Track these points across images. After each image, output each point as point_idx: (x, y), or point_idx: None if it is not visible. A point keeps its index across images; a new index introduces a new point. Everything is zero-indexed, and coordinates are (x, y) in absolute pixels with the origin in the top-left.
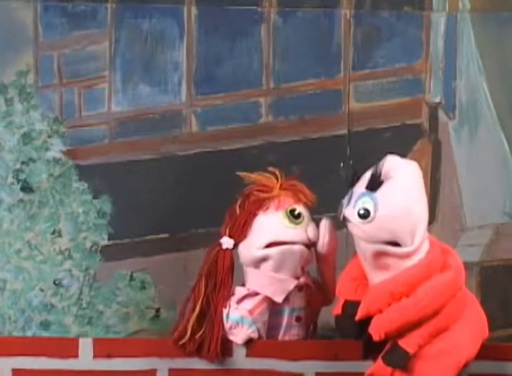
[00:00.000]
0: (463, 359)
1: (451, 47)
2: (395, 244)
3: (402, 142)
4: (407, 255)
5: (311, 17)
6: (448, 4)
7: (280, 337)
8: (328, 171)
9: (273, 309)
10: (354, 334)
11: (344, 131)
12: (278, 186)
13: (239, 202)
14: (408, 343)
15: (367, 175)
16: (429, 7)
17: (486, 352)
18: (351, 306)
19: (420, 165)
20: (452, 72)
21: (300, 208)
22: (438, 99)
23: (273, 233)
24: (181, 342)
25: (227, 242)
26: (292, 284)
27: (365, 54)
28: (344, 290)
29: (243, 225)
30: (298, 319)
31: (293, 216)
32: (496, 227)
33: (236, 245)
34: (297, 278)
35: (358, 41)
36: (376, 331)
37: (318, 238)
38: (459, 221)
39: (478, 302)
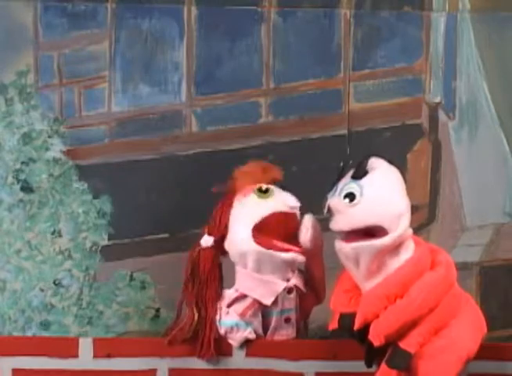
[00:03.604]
0: (465, 354)
1: (451, 47)
2: (380, 232)
3: (401, 142)
4: (396, 242)
5: (311, 17)
6: (448, 4)
7: (268, 338)
8: (328, 171)
9: (262, 311)
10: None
11: (344, 132)
12: (245, 177)
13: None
14: (408, 343)
15: (351, 172)
16: (429, 7)
17: (486, 352)
18: (346, 319)
19: (420, 165)
20: (452, 72)
21: (266, 185)
22: (438, 99)
23: (250, 217)
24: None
25: (205, 240)
26: (281, 287)
27: (365, 54)
28: (338, 303)
29: (219, 221)
30: (288, 320)
31: (261, 191)
32: (496, 227)
33: (216, 242)
34: (287, 280)
35: (358, 41)
36: (375, 337)
37: (297, 203)
38: (459, 221)
39: (473, 300)
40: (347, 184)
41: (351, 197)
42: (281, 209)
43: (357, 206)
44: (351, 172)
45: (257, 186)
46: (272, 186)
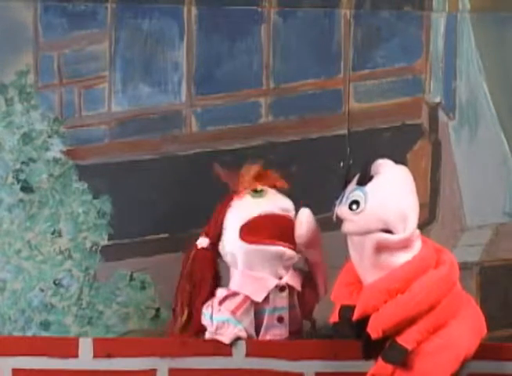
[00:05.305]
0: (462, 354)
1: (451, 47)
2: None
3: (402, 142)
4: (402, 243)
5: (311, 17)
6: (448, 4)
7: (261, 337)
8: (328, 171)
9: (254, 310)
10: (354, 337)
11: (344, 131)
12: (247, 180)
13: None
14: (406, 339)
15: (356, 177)
16: (429, 7)
17: (486, 352)
18: (347, 311)
19: (420, 165)
20: (452, 72)
21: (262, 187)
22: (438, 99)
23: (240, 217)
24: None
25: (201, 241)
26: (272, 283)
27: (365, 54)
28: (339, 295)
29: (215, 223)
30: (280, 319)
31: (255, 191)
32: (496, 227)
33: (212, 244)
34: (280, 278)
35: (358, 41)
36: (373, 329)
37: (290, 207)
38: (459, 221)
39: (474, 302)
40: (352, 192)
41: (356, 204)
42: (271, 210)
43: (362, 213)
44: (356, 178)
45: (253, 187)
46: (266, 188)
